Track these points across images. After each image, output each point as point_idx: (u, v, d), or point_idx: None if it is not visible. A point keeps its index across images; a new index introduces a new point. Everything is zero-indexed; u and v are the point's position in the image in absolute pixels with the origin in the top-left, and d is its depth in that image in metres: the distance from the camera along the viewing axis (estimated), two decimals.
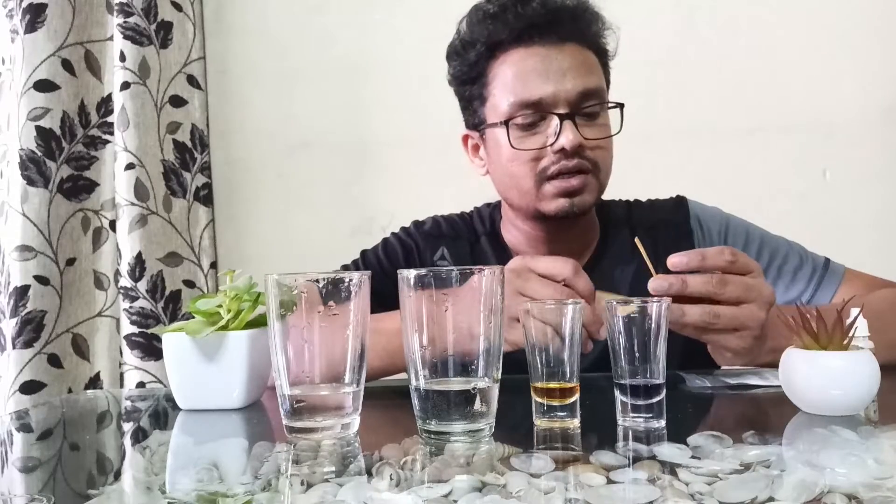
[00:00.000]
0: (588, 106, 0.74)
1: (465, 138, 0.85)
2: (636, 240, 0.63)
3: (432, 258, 0.85)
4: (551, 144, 0.73)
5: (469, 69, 0.78)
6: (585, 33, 0.76)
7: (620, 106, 0.77)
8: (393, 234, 0.89)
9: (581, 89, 0.73)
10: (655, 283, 0.58)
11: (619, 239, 0.84)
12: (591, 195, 0.76)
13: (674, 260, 0.59)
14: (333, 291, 0.48)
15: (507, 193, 0.80)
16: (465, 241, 0.86)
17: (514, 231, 0.85)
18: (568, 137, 0.72)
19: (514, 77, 0.74)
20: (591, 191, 0.75)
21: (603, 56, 0.79)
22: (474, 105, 0.80)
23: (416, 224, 0.90)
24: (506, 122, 0.74)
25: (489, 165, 0.82)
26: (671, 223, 0.84)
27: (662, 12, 1.26)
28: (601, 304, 0.60)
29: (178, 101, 1.27)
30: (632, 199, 0.91)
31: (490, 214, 0.89)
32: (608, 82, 0.80)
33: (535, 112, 0.74)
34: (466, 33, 0.78)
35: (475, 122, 0.81)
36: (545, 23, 0.74)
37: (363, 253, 0.88)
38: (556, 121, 0.73)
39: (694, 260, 0.59)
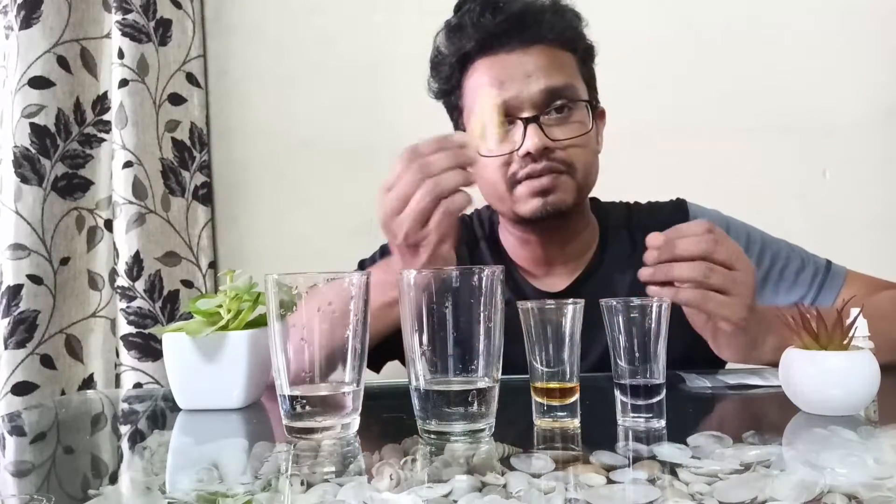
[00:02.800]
0: (555, 106, 0.73)
1: None
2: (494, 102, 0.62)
3: None
4: (518, 149, 0.73)
5: (444, 83, 0.80)
6: (551, 34, 0.75)
7: (589, 102, 0.76)
8: None
9: (544, 88, 0.73)
10: (644, 272, 0.60)
11: (619, 241, 0.84)
12: (567, 194, 0.75)
13: (653, 242, 0.60)
14: None
15: (489, 199, 0.80)
16: (464, 245, 0.86)
17: (508, 236, 0.84)
18: (533, 141, 0.71)
19: (481, 86, 0.74)
20: (566, 190, 0.74)
21: (581, 53, 0.78)
22: (454, 116, 0.82)
23: None
24: None
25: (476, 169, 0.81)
26: (671, 226, 0.84)
27: (663, 12, 1.26)
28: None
29: (177, 99, 1.26)
30: (631, 202, 0.90)
31: (489, 217, 0.89)
32: (591, 79, 0.80)
33: (502, 118, 0.73)
34: (440, 47, 0.79)
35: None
36: (504, 30, 0.74)
37: (361, 262, 0.88)
38: (521, 125, 0.73)
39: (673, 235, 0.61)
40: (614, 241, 0.84)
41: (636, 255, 0.83)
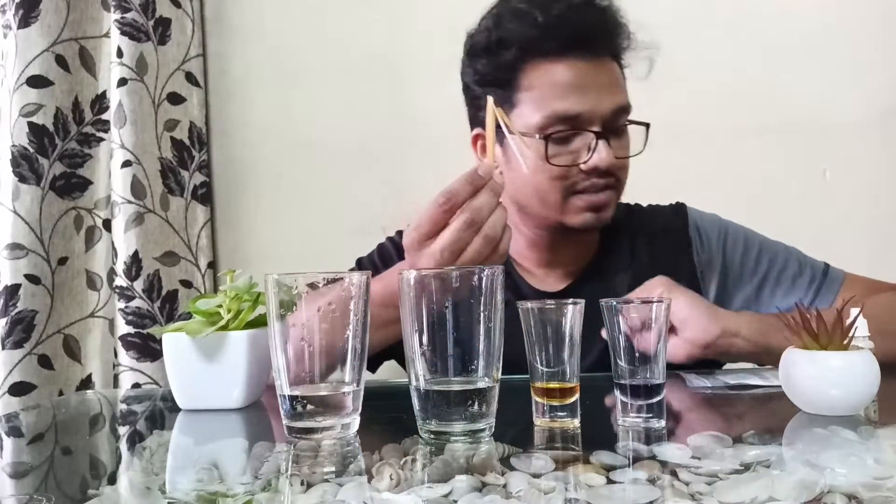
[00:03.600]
0: (620, 124, 0.74)
1: (476, 138, 0.82)
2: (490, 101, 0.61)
3: None
4: (584, 162, 0.73)
5: (496, 70, 0.75)
6: (617, 48, 0.76)
7: (646, 125, 0.77)
8: (388, 238, 0.89)
9: (615, 106, 0.73)
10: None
11: (618, 242, 0.84)
12: (613, 210, 0.77)
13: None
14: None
15: (526, 202, 0.78)
16: None
17: (514, 234, 0.84)
18: (602, 157, 0.72)
19: (551, 89, 0.72)
20: (613, 205, 0.77)
21: (625, 71, 0.79)
22: (476, 104, 0.78)
23: None
24: (546, 137, 0.72)
25: (506, 171, 0.77)
26: (670, 230, 0.84)
27: (662, 12, 1.25)
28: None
29: (176, 99, 1.26)
30: (631, 203, 0.90)
31: None
32: None
33: (571, 128, 0.72)
34: (501, 31, 0.74)
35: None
36: (582, 35, 0.72)
37: (359, 260, 0.87)
38: (590, 138, 0.72)
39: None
40: (613, 242, 0.84)
41: (635, 257, 0.83)
